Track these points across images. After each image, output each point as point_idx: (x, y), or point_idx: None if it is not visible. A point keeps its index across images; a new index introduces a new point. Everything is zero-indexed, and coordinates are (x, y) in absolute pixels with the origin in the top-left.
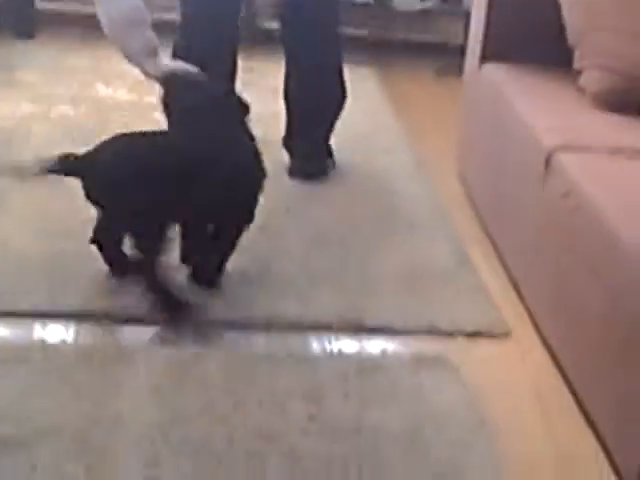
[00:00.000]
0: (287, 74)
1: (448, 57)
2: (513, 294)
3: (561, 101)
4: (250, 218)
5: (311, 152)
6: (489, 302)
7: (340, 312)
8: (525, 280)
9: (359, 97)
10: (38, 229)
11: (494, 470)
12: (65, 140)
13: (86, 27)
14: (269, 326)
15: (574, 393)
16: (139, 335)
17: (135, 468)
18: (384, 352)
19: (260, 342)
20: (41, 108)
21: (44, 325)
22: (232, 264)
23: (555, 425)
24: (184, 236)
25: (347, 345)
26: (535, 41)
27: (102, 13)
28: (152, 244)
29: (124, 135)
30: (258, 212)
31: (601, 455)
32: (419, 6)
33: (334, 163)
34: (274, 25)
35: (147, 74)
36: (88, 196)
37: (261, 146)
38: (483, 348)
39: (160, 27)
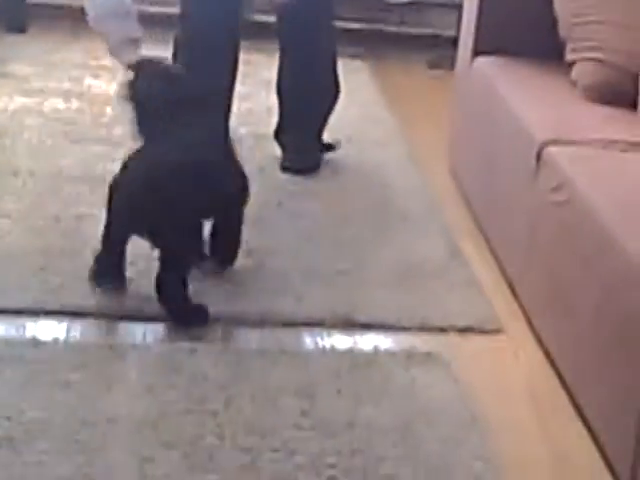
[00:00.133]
0: (280, 68)
1: (440, 49)
2: (505, 288)
3: (553, 94)
4: (247, 195)
5: (303, 146)
6: (481, 297)
7: (333, 308)
8: (517, 274)
9: (351, 89)
10: (31, 226)
11: (485, 466)
12: (58, 134)
13: (77, 20)
14: (262, 322)
15: (567, 389)
16: (131, 332)
17: (128, 464)
18: (376, 348)
19: (253, 338)
20: (34, 102)
21: (36, 322)
22: None
23: (547, 421)
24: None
25: (339, 341)
26: (527, 34)
27: (88, 4)
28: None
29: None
30: (250, 206)
31: (594, 451)
32: None
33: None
34: (271, 19)
35: (124, 65)
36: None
37: (254, 140)
38: (475, 343)
39: (163, 21)
